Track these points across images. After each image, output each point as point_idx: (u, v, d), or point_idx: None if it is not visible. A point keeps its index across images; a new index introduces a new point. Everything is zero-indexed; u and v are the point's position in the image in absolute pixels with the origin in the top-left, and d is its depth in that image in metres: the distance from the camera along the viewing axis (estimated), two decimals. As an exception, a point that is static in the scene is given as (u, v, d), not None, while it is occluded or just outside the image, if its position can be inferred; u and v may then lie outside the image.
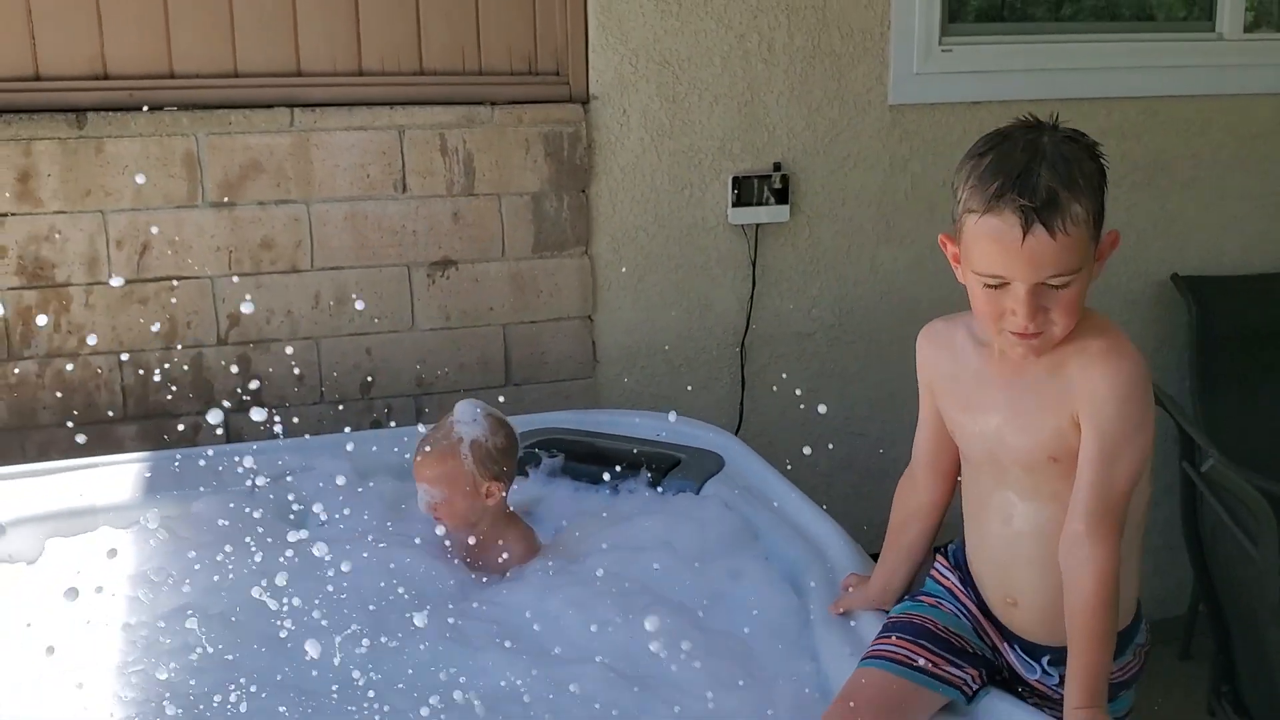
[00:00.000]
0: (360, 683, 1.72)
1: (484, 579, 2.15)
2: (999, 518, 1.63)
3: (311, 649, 1.66)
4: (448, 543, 2.17)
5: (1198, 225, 3.56)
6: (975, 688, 1.65)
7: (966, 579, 1.74)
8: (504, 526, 2.25)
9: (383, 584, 1.99)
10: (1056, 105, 3.32)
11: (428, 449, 2.19)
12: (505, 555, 2.20)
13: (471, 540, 2.19)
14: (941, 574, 1.78)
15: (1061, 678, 1.61)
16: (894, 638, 1.66)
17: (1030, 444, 1.56)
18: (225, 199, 2.80)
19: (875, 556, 2.10)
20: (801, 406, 3.26)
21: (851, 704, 1.58)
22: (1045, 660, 1.65)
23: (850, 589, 1.91)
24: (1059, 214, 1.42)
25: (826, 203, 3.24)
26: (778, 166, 3.16)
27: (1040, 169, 1.43)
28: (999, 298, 1.49)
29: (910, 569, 1.84)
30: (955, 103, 3.28)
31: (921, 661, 1.62)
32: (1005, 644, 1.70)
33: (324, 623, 1.82)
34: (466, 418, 2.22)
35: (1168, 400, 2.45)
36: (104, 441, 2.76)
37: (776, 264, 3.23)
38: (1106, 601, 1.48)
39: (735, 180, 3.12)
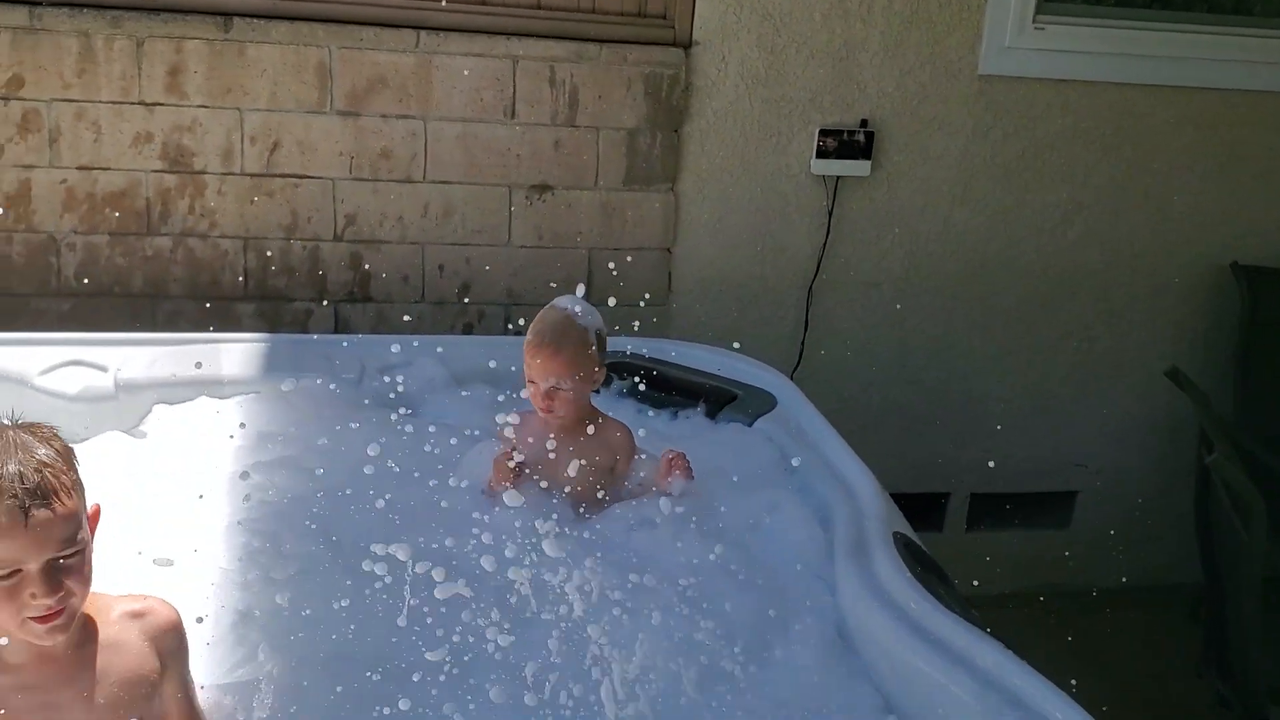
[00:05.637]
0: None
1: (582, 507, 2.19)
2: None
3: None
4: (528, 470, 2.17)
5: (1264, 217, 3.66)
6: None
7: None
8: (598, 414, 2.31)
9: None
10: (1138, 90, 3.45)
11: (557, 340, 2.18)
12: (618, 434, 2.30)
13: (591, 429, 2.21)
14: None
15: None
16: None
17: None
18: (351, 109, 3.06)
19: (900, 498, 2.32)
20: (852, 352, 3.46)
21: None
22: None
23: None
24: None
25: (907, 161, 3.40)
26: (864, 123, 3.32)
27: None
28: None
29: None
30: (1043, 78, 3.40)
31: None
32: None
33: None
34: (579, 309, 2.23)
35: (1194, 394, 2.63)
36: (224, 317, 3.09)
37: (852, 215, 3.41)
38: None
39: (822, 132, 3.29)
